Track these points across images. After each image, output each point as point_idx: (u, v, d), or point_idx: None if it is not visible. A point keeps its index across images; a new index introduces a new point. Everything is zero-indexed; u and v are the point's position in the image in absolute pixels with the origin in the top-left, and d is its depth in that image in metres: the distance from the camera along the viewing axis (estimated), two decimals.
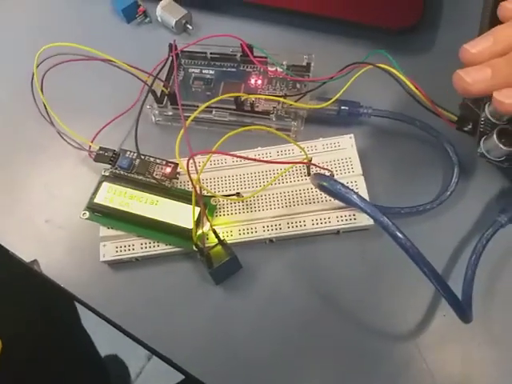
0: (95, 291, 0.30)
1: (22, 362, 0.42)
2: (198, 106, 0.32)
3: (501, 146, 0.26)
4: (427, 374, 0.26)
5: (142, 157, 0.31)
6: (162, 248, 0.30)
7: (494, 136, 0.26)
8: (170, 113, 0.34)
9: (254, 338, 0.28)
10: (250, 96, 0.31)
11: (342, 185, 0.22)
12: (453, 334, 0.27)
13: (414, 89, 0.28)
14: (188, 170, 0.24)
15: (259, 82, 0.35)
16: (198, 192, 0.26)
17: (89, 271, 0.30)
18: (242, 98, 0.32)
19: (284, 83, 0.35)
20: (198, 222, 0.29)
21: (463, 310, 0.22)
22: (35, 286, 0.40)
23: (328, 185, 0.23)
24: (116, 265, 0.30)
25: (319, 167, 0.29)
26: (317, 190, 0.29)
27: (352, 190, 0.23)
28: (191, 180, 0.25)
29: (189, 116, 0.28)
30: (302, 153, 0.29)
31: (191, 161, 0.25)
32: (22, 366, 0.43)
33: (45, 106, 0.33)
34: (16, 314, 0.35)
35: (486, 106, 0.27)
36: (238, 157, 0.27)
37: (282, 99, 0.31)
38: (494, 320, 0.27)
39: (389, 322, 0.27)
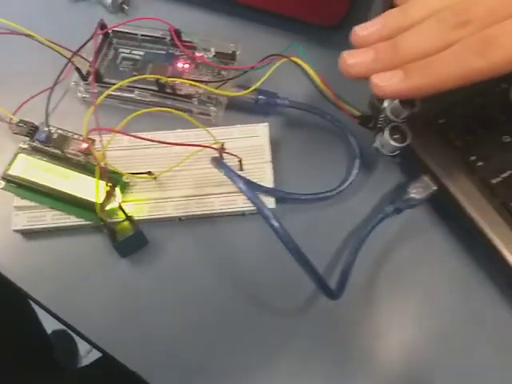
0: (6, 259, 0.31)
1: None
2: (125, 86, 0.34)
3: (391, 141, 0.28)
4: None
5: (60, 131, 0.32)
6: (72, 220, 0.31)
7: (386, 132, 0.28)
8: (96, 90, 0.35)
9: (160, 312, 0.29)
10: (169, 79, 0.32)
11: (232, 171, 0.24)
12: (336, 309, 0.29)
13: (320, 84, 0.30)
14: (90, 147, 0.25)
15: (186, 66, 0.36)
16: (103, 167, 0.27)
17: (0, 239, 0.31)
18: (163, 80, 0.33)
19: (210, 69, 0.36)
20: (107, 198, 0.30)
21: (326, 288, 0.24)
22: None
23: (219, 169, 0.24)
24: (29, 234, 0.31)
25: (227, 153, 0.31)
26: None
27: (240, 176, 0.24)
28: (95, 156, 0.26)
29: (111, 94, 0.29)
30: (218, 137, 0.31)
31: (100, 138, 0.26)
32: None
33: None
34: None
35: (387, 104, 0.29)
36: (137, 137, 0.28)
37: (201, 85, 0.33)
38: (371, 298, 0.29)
39: (285, 299, 0.29)
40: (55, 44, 0.31)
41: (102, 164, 0.27)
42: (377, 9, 0.38)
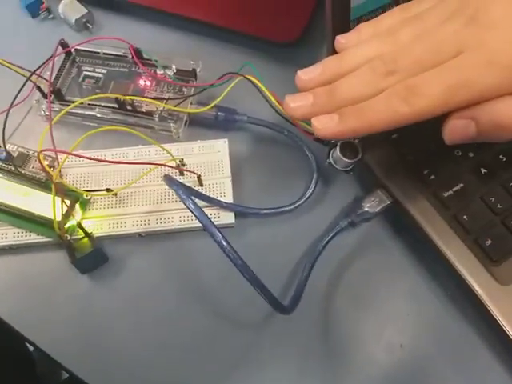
0: None
1: None
2: (87, 104, 0.34)
3: (343, 157, 0.28)
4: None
5: (21, 149, 0.33)
6: (33, 238, 0.31)
7: (338, 149, 0.29)
8: (57, 108, 0.35)
9: (121, 329, 0.29)
10: (128, 97, 0.33)
11: (181, 189, 0.24)
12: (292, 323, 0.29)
13: (274, 101, 0.31)
14: (43, 165, 0.26)
15: (148, 83, 0.37)
16: (58, 184, 0.27)
17: None
18: (122, 99, 0.33)
19: (171, 86, 0.36)
20: (67, 215, 0.30)
21: (276, 303, 0.24)
22: None
23: (170, 187, 0.25)
24: None
25: (185, 170, 0.31)
26: None
27: (190, 197, 0.24)
28: (49, 174, 0.27)
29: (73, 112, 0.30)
30: (177, 154, 0.31)
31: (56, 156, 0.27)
32: None
33: None
34: None
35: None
36: (83, 157, 0.28)
37: (160, 103, 0.33)
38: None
39: (244, 311, 0.30)
40: (13, 64, 0.31)
41: (57, 181, 0.27)
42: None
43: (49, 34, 0.41)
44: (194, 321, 0.30)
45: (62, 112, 0.29)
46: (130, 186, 0.32)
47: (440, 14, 0.23)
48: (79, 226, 0.29)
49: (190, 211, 0.23)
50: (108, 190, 0.31)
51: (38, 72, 0.34)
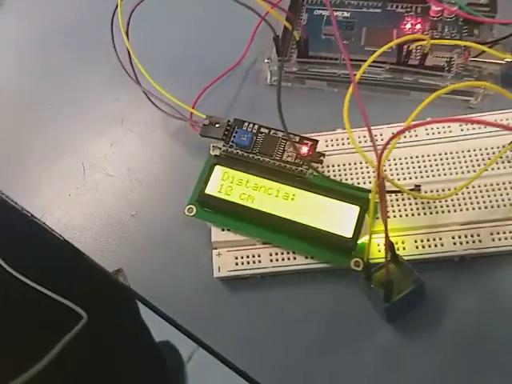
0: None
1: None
2: (329, 59, 0.24)
3: None
4: None
5: (266, 130, 0.22)
6: (299, 262, 0.21)
7: None
8: (295, 68, 0.25)
9: None
10: (425, 42, 0.21)
11: None
12: None
13: None
14: (377, 153, 0.15)
15: (418, 26, 0.25)
16: (380, 185, 0.16)
17: (193, 288, 0.22)
18: (410, 46, 0.22)
19: (455, 28, 0.24)
20: (358, 229, 0.20)
21: None
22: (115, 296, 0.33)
23: None
24: (230, 282, 0.22)
25: None
26: None
27: None
28: (378, 167, 0.16)
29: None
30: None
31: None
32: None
33: (129, 56, 0.23)
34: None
35: None
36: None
37: (480, 46, 0.21)
38: None
39: None
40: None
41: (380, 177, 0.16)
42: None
43: None
44: None
45: (362, 68, 0.18)
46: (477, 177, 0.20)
47: None
48: (391, 245, 0.18)
49: None
50: (417, 187, 0.20)
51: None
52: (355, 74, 0.18)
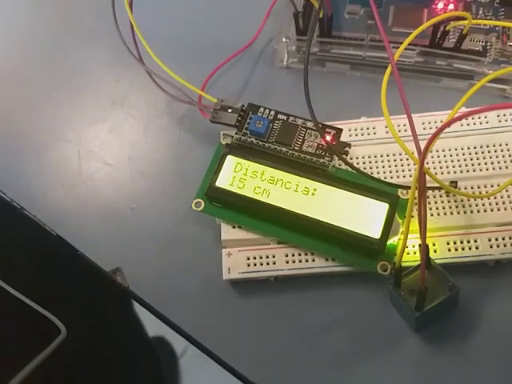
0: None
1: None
2: (354, 39, 0.22)
3: None
4: None
5: (284, 117, 0.20)
6: (318, 264, 0.19)
7: None
8: (316, 49, 0.23)
9: None
10: (465, 21, 0.19)
11: None
12: None
13: None
14: (421, 147, 0.13)
15: (451, 6, 0.23)
16: (421, 179, 0.14)
17: (200, 291, 0.20)
18: (447, 26, 0.20)
19: (491, 10, 0.22)
20: (387, 230, 0.18)
21: None
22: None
23: None
24: (241, 285, 0.19)
25: None
26: None
27: None
28: (422, 160, 0.14)
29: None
30: None
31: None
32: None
33: (133, 31, 0.21)
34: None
35: None
36: None
37: None
38: None
39: None
40: None
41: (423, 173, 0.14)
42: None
43: None
44: None
45: (401, 48, 0.16)
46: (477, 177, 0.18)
47: None
48: (425, 248, 0.16)
49: None
50: (453, 183, 0.18)
51: None
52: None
